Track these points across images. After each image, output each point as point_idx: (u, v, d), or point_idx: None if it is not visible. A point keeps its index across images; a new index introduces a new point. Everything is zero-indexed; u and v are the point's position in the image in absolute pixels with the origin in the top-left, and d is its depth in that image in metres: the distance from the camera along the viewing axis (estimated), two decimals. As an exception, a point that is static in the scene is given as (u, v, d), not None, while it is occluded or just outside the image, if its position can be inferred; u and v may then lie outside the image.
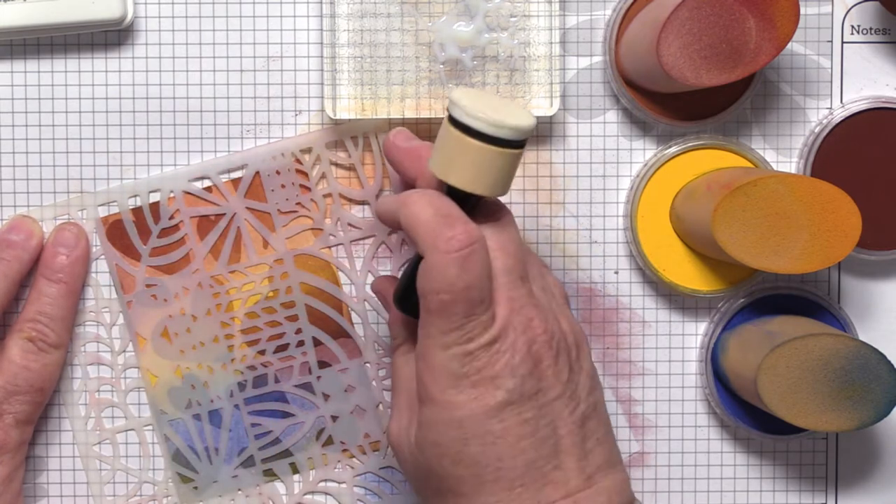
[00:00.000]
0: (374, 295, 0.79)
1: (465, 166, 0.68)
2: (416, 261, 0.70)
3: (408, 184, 0.74)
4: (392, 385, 0.73)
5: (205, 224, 0.79)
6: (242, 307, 0.79)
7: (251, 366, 0.79)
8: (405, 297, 0.71)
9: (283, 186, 0.79)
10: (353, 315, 0.80)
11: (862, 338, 0.81)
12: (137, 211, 0.79)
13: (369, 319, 0.81)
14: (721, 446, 0.82)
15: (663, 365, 0.82)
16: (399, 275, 0.77)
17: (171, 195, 0.79)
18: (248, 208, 0.79)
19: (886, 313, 0.82)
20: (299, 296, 0.79)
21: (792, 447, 0.82)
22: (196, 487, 0.79)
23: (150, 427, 0.80)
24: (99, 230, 0.79)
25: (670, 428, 0.82)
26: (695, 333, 0.82)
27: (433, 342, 0.67)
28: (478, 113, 0.67)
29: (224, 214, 0.79)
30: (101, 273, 0.80)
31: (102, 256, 0.80)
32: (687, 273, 0.80)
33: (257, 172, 0.79)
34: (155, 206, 0.79)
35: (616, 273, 0.81)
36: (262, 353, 0.79)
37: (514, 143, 0.68)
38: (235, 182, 0.79)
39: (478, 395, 0.67)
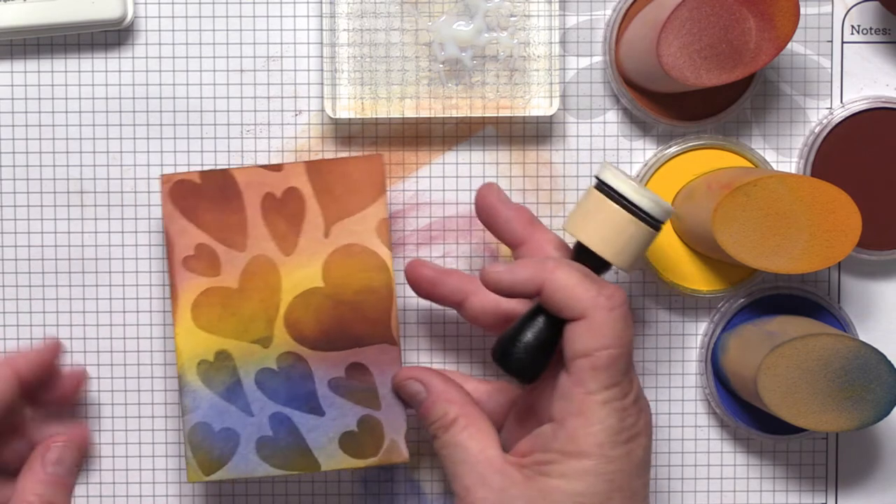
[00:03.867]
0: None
1: (602, 230, 0.71)
2: (526, 322, 0.72)
3: (512, 240, 0.75)
4: (454, 466, 0.73)
5: (269, 201, 0.77)
6: (290, 292, 0.77)
7: (287, 353, 0.77)
8: (509, 354, 0.72)
9: (358, 179, 0.77)
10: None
11: (862, 338, 0.81)
12: (206, 174, 0.77)
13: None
14: (721, 446, 0.82)
15: (663, 365, 0.82)
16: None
17: (242, 165, 0.78)
18: (316, 193, 0.77)
19: (886, 313, 0.82)
20: (350, 292, 0.77)
21: (792, 447, 0.82)
22: (207, 465, 0.77)
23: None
24: (162, 187, 0.77)
25: (670, 428, 0.82)
26: (695, 333, 0.82)
27: (594, 398, 0.70)
28: (627, 180, 0.71)
29: (290, 195, 0.77)
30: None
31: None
32: (687, 273, 0.80)
33: (335, 159, 0.77)
34: (224, 173, 0.77)
35: (616, 273, 0.81)
36: (300, 342, 0.77)
37: (652, 221, 0.71)
38: (308, 164, 0.77)
39: (628, 451, 0.70)
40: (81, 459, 0.76)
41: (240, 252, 0.77)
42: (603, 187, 0.71)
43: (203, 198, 0.77)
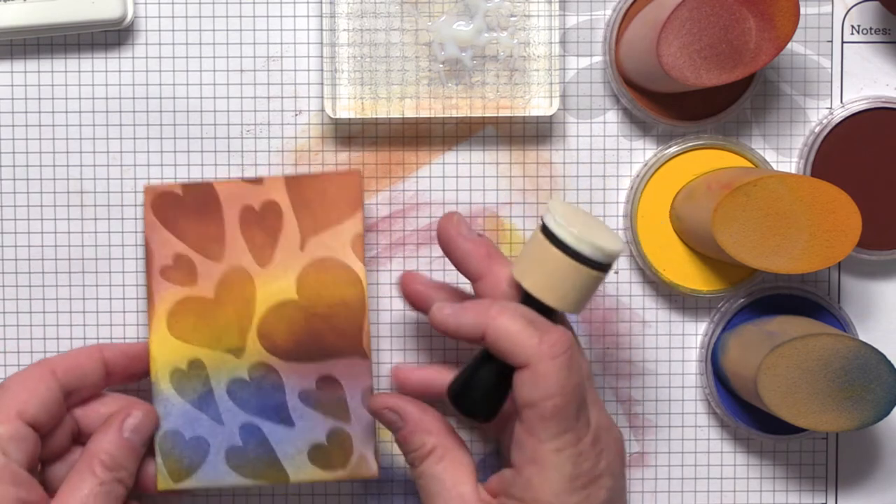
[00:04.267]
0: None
1: (545, 276, 0.69)
2: (480, 362, 0.71)
3: (470, 274, 0.74)
4: (428, 497, 0.72)
5: (248, 213, 0.78)
6: (264, 303, 0.78)
7: (259, 363, 0.78)
8: (464, 395, 0.71)
9: (336, 194, 0.78)
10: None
11: (862, 338, 0.81)
12: (188, 187, 0.78)
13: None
14: (721, 446, 0.82)
15: (663, 365, 0.82)
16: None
17: (224, 179, 0.78)
18: (294, 207, 0.78)
19: (886, 313, 0.82)
20: (323, 305, 0.78)
21: (792, 447, 0.82)
22: (176, 473, 0.77)
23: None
24: (145, 197, 0.78)
25: (670, 428, 0.82)
26: (695, 333, 0.82)
27: (546, 447, 0.68)
28: (568, 226, 0.69)
29: (269, 208, 0.78)
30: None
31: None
32: (687, 273, 0.80)
33: (314, 174, 0.78)
34: (206, 186, 0.78)
35: (616, 273, 0.81)
36: (272, 353, 0.78)
37: (596, 264, 0.69)
38: (288, 179, 0.78)
39: (587, 495, 0.69)
40: (151, 437, 0.76)
41: (217, 263, 0.78)
42: (547, 230, 0.70)
43: (184, 209, 0.78)
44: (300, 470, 0.77)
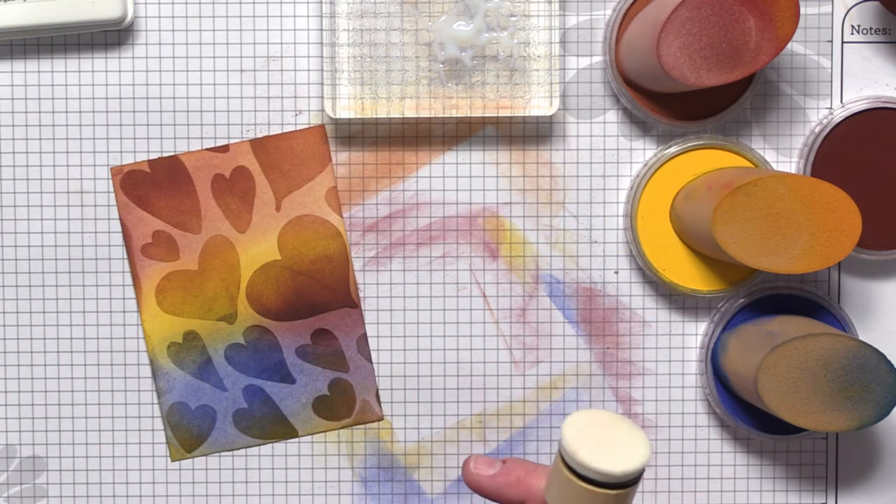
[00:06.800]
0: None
1: (567, 498, 0.65)
2: None
3: (512, 503, 0.70)
4: None
5: (219, 182, 0.79)
6: (249, 268, 0.79)
7: (253, 326, 0.79)
8: None
9: (303, 151, 0.79)
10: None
11: (862, 338, 0.81)
12: (154, 163, 0.79)
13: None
14: (721, 446, 0.82)
15: (663, 365, 0.82)
16: None
17: (189, 150, 0.79)
18: (263, 170, 0.79)
19: (886, 313, 0.82)
20: (306, 262, 0.79)
21: (792, 447, 0.82)
22: (188, 443, 0.80)
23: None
24: (113, 178, 0.79)
25: (670, 428, 0.82)
26: (695, 333, 0.82)
27: None
28: (575, 452, 0.64)
29: (239, 174, 0.79)
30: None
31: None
32: (687, 273, 0.80)
33: (279, 134, 0.79)
34: (172, 159, 0.79)
35: (616, 273, 0.81)
36: (264, 315, 0.79)
37: (612, 485, 0.65)
38: (254, 143, 0.79)
39: None
40: None
41: (196, 234, 0.79)
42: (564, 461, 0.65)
43: (154, 185, 0.79)
44: (307, 423, 0.80)
